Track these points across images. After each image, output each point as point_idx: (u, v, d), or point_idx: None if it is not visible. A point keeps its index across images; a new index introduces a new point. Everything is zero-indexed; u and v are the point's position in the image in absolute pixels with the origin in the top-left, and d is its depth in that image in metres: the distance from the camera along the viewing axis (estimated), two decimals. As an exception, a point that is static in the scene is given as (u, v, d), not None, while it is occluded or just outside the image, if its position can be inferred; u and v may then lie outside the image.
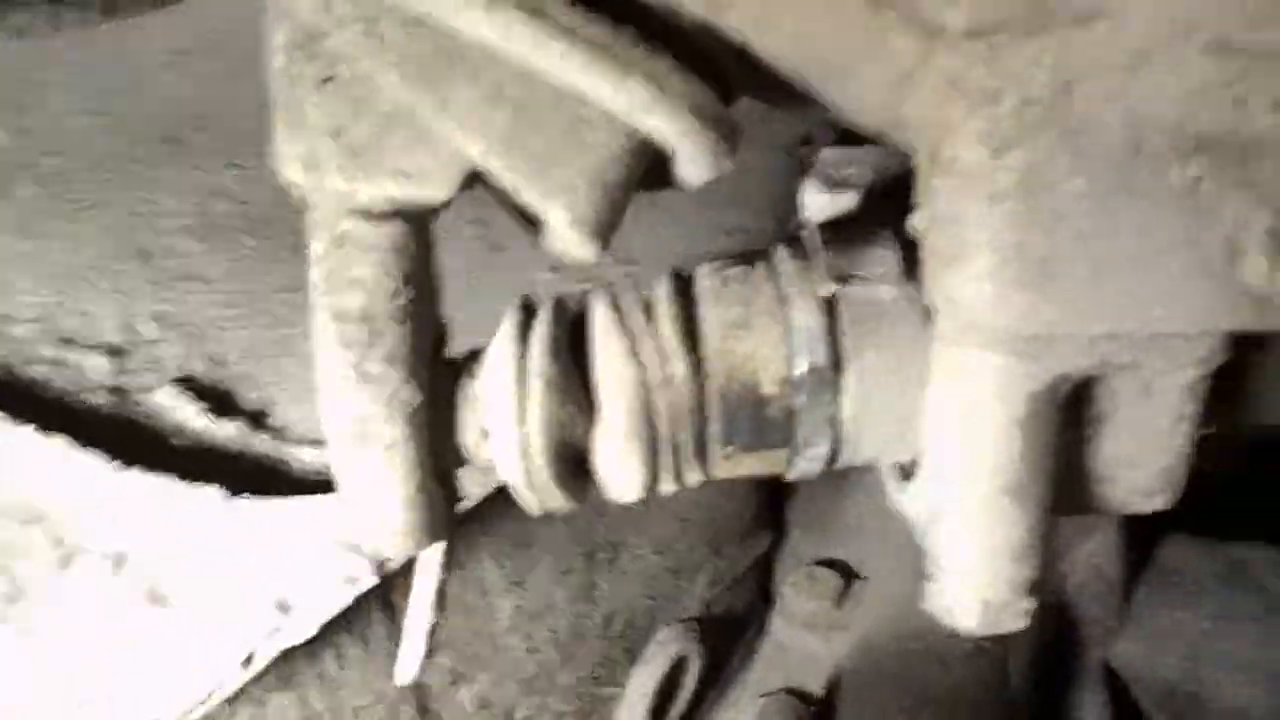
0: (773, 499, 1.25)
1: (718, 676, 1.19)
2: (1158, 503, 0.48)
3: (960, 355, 0.42)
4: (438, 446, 0.47)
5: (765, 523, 1.27)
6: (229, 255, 0.85)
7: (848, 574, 1.20)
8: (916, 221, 0.42)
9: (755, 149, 1.09)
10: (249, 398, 0.76)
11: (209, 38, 0.99)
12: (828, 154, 0.54)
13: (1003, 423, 0.41)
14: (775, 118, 1.15)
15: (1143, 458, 0.46)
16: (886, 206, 0.57)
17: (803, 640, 1.21)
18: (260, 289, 0.84)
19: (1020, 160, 0.37)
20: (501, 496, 0.82)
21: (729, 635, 1.27)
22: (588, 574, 0.97)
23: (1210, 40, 0.29)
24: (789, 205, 1.03)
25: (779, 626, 1.26)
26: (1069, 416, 0.44)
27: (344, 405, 0.44)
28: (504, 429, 0.46)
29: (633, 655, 1.09)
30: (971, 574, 0.46)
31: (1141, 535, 1.24)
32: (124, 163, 0.89)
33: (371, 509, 0.45)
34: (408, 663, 0.49)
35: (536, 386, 0.46)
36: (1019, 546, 0.45)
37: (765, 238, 1.00)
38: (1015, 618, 0.47)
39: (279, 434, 0.74)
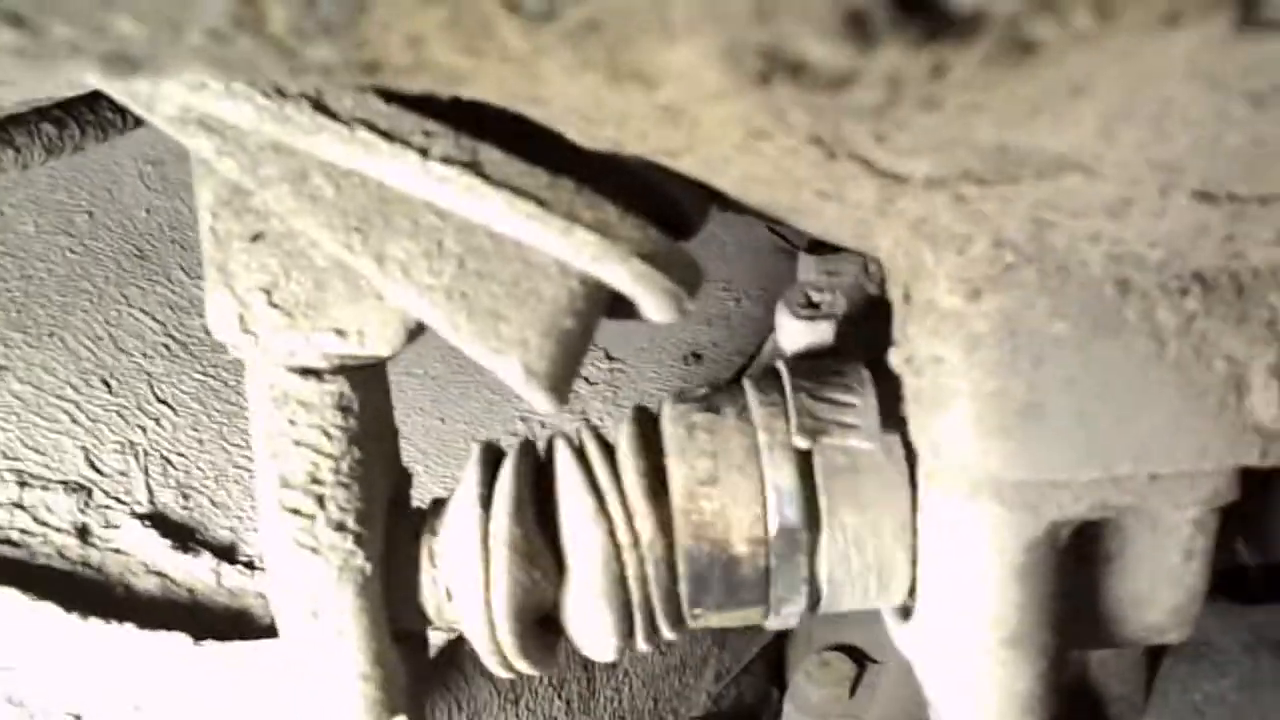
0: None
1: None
2: (1172, 637, 0.45)
3: (950, 503, 0.39)
4: (397, 608, 0.44)
5: (771, 608, 1.23)
6: (199, 374, 0.83)
7: (861, 659, 1.16)
8: (894, 361, 0.40)
9: (738, 228, 1.07)
10: (220, 526, 0.73)
11: (180, 146, 0.98)
12: (798, 286, 0.51)
13: (1000, 573, 0.38)
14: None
15: (1154, 595, 0.42)
16: (862, 336, 0.54)
17: (818, 730, 1.17)
18: (232, 408, 0.81)
19: (996, 305, 0.34)
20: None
21: (739, 729, 1.22)
22: (587, 683, 0.93)
23: (1197, 190, 0.26)
24: (775, 287, 1.01)
25: (792, 715, 1.22)
26: (1078, 554, 0.41)
27: (292, 578, 0.42)
28: (468, 595, 0.44)
29: (639, 760, 1.05)
30: (976, 724, 0.42)
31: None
32: (90, 284, 0.87)
33: (325, 686, 0.42)
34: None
35: (500, 552, 0.43)
36: (1024, 697, 0.42)
37: (754, 325, 0.97)
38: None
39: (251, 565, 0.71)
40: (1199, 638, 1.22)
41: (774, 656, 1.32)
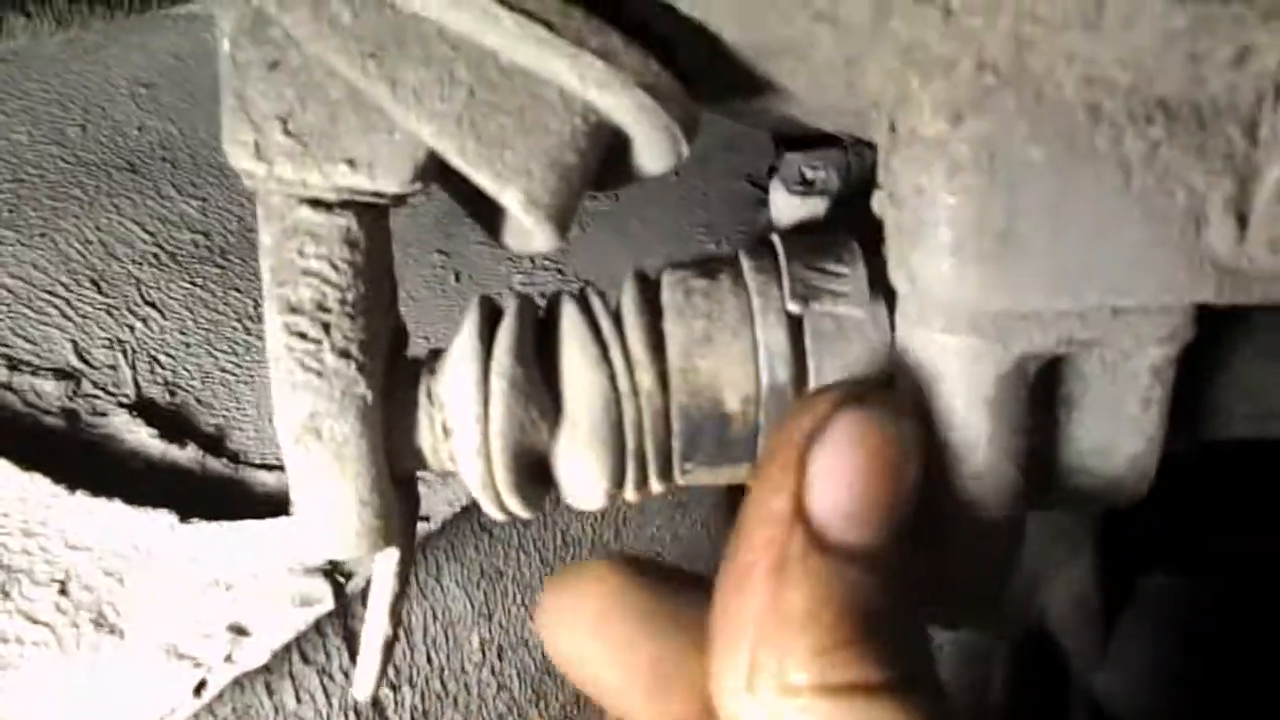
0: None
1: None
2: (1128, 496, 0.47)
3: (924, 339, 0.41)
4: (395, 448, 0.46)
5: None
6: (187, 283, 0.84)
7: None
8: (876, 204, 0.42)
9: (718, 178, 1.09)
10: (206, 422, 0.74)
11: (172, 69, 0.99)
12: (793, 156, 0.53)
13: (970, 403, 0.40)
14: (740, 147, 1.16)
15: (1113, 445, 0.44)
16: (854, 213, 0.56)
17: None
18: (219, 317, 0.83)
19: (977, 129, 0.36)
20: (469, 523, 0.81)
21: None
22: (558, 608, 0.94)
23: (1166, -12, 0.29)
24: (752, 234, 1.03)
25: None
26: (1040, 401, 0.43)
27: (295, 401, 0.43)
28: (464, 428, 0.45)
29: (605, 694, 1.06)
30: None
31: (1121, 567, 1.24)
32: (81, 191, 0.87)
33: (322, 509, 0.44)
34: (365, 677, 0.47)
35: (499, 387, 0.45)
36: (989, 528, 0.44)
37: (734, 245, 0.99)
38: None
39: (236, 458, 0.72)
40: (1153, 598, 1.26)
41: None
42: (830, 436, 0.34)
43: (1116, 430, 0.44)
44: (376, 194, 0.43)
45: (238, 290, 0.85)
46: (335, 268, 0.43)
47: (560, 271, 0.97)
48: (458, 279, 0.94)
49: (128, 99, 0.96)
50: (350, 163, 0.42)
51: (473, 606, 0.83)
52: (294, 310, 0.43)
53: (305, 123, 0.41)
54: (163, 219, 0.88)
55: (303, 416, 0.43)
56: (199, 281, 0.84)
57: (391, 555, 0.47)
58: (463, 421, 0.45)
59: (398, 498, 0.46)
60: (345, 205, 0.43)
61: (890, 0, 0.33)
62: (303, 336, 0.43)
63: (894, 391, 0.41)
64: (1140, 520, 1.15)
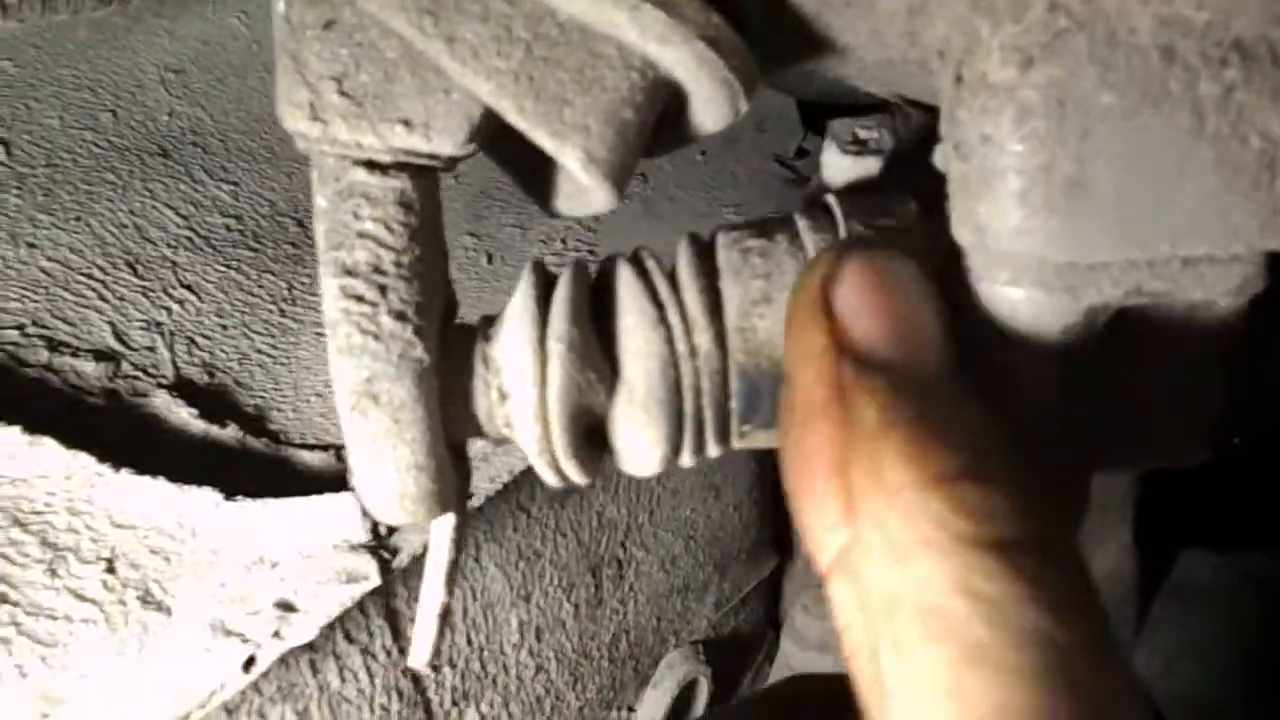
0: (778, 518, 1.23)
1: (728, 700, 1.16)
2: (1195, 453, 0.46)
3: (990, 292, 0.41)
4: (450, 414, 0.45)
5: (770, 543, 1.24)
6: (222, 267, 0.84)
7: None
8: (938, 158, 0.41)
9: (747, 158, 1.09)
10: (245, 403, 0.74)
11: (203, 54, 0.99)
12: (844, 121, 0.53)
13: (1039, 355, 0.40)
14: (769, 128, 1.16)
15: (1181, 399, 0.44)
16: (909, 173, 0.55)
17: (817, 663, 1.19)
18: (254, 300, 0.83)
19: (1047, 74, 0.36)
20: (508, 505, 0.80)
21: (738, 658, 1.24)
22: (595, 590, 0.94)
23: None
24: (784, 199, 1.03)
25: (790, 650, 1.24)
26: (1106, 356, 0.43)
27: (351, 365, 0.43)
28: (521, 391, 0.44)
29: (640, 677, 1.06)
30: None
31: (1156, 547, 1.23)
32: (115, 175, 0.87)
33: (380, 473, 0.43)
34: (422, 645, 0.47)
35: (557, 349, 0.44)
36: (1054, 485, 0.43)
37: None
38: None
39: (276, 438, 0.72)
40: (1187, 578, 1.25)
41: (770, 597, 1.34)
42: (847, 277, 0.34)
43: (1185, 384, 0.44)
44: (432, 155, 0.43)
45: (271, 274, 0.85)
46: (390, 230, 0.43)
47: (592, 252, 0.97)
48: (490, 260, 0.93)
49: (157, 84, 0.96)
50: (406, 123, 0.41)
51: (511, 588, 0.83)
52: (350, 273, 0.42)
53: (360, 83, 0.41)
54: (195, 203, 0.88)
55: (360, 381, 0.42)
56: (233, 265, 0.84)
57: (448, 521, 0.47)
58: (519, 385, 0.44)
59: (453, 464, 0.46)
60: (400, 167, 0.43)
61: (962, -58, 0.32)
62: (359, 299, 0.42)
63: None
64: (1177, 497, 1.14)
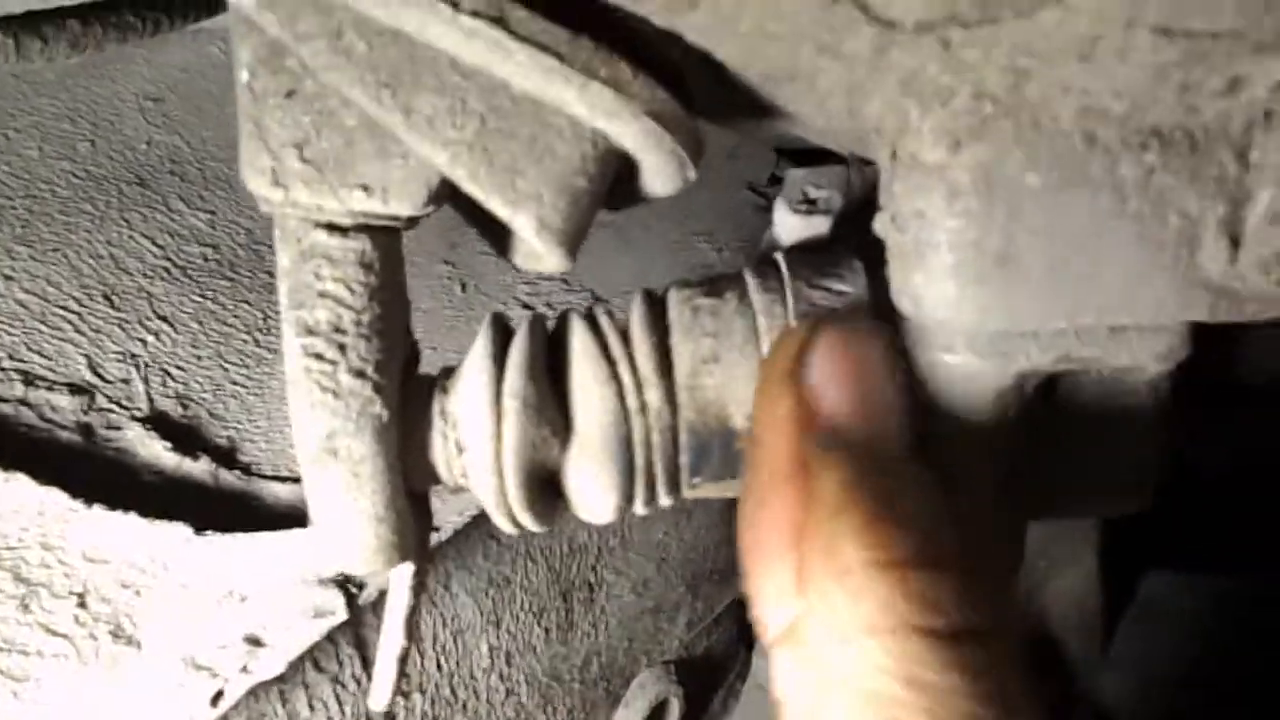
0: (750, 538, 1.24)
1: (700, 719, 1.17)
2: (1130, 506, 0.48)
3: (927, 359, 0.42)
4: (409, 465, 0.47)
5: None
6: (198, 297, 0.85)
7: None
8: (878, 226, 0.43)
9: (720, 186, 1.10)
10: (218, 435, 0.75)
11: (179, 82, 1.00)
12: (795, 174, 0.54)
13: (971, 421, 0.42)
14: (742, 155, 1.17)
15: (1113, 459, 0.46)
16: (856, 231, 0.57)
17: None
18: (228, 329, 0.84)
19: (976, 156, 0.37)
20: (478, 532, 0.82)
21: (709, 678, 1.26)
22: (566, 614, 0.96)
23: (1156, 25, 0.30)
24: (756, 242, 1.04)
25: (762, 669, 1.25)
26: (1038, 420, 0.44)
27: (312, 420, 0.44)
28: (478, 446, 0.46)
29: (612, 698, 1.08)
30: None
31: (1122, 569, 1.24)
32: (92, 206, 0.88)
33: (340, 526, 0.45)
34: (381, 688, 0.48)
35: (512, 406, 0.46)
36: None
37: (735, 252, 1.01)
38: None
39: (248, 470, 0.73)
40: (1154, 599, 1.26)
41: (742, 616, 1.35)
42: (819, 350, 0.34)
43: (1116, 445, 0.45)
44: (391, 217, 0.44)
45: (247, 303, 0.86)
46: (351, 290, 0.44)
47: (565, 281, 0.98)
48: (464, 289, 0.95)
49: (136, 113, 0.97)
50: (365, 188, 0.43)
51: (481, 614, 0.84)
52: (311, 332, 0.44)
53: (321, 149, 0.42)
54: (172, 233, 0.89)
55: (320, 436, 0.44)
56: (209, 295, 0.85)
57: (407, 570, 0.49)
58: (476, 439, 0.46)
59: (412, 513, 0.47)
60: (360, 229, 0.44)
61: (890, 33, 0.34)
62: (319, 358, 0.44)
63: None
64: (1141, 521, 1.16)
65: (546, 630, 0.94)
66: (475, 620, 0.84)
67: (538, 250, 0.43)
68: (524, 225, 0.42)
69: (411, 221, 0.45)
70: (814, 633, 0.29)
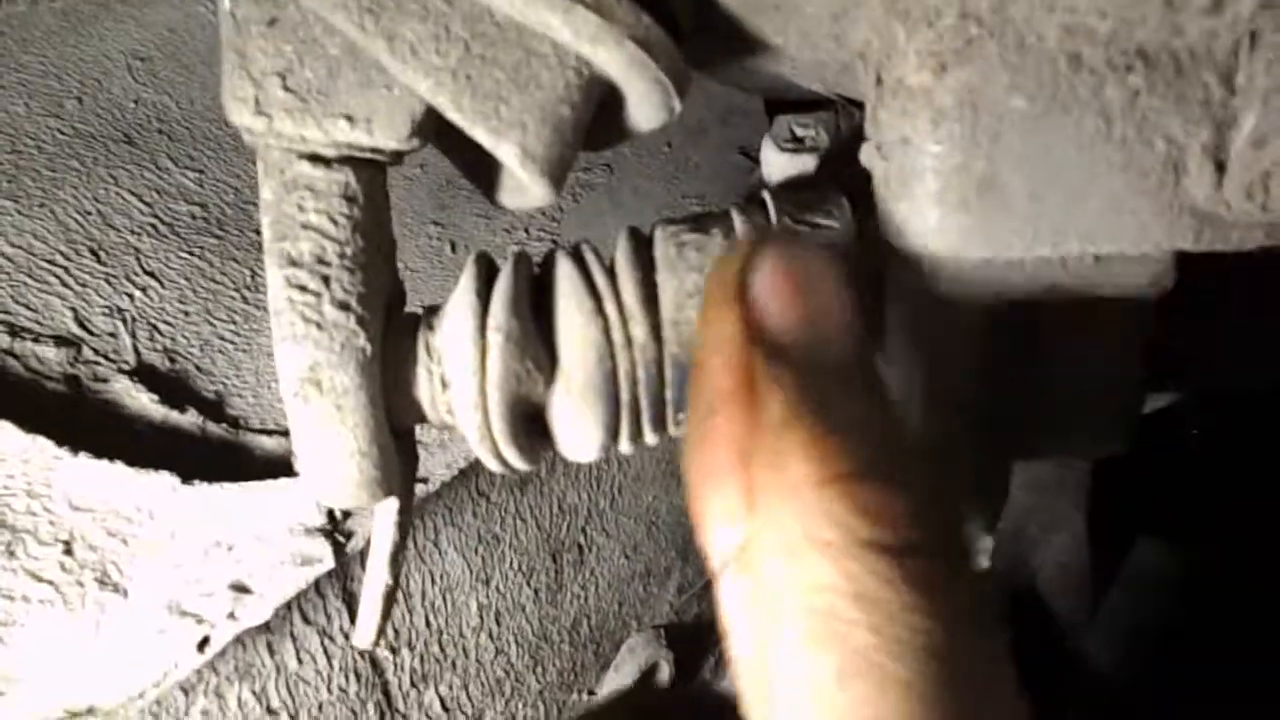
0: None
1: (689, 684, 1.18)
2: (1109, 448, 0.48)
3: (914, 286, 0.42)
4: (394, 401, 0.47)
5: (734, 530, 1.26)
6: (185, 254, 0.85)
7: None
8: (864, 156, 0.43)
9: (712, 150, 1.10)
10: (205, 389, 0.75)
11: (168, 42, 0.99)
12: (783, 117, 0.54)
13: (955, 347, 0.42)
14: (732, 120, 1.17)
15: (1094, 393, 0.46)
16: (842, 169, 0.57)
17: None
18: (217, 287, 0.83)
19: (960, 79, 0.37)
20: (466, 489, 0.82)
21: (700, 643, 1.26)
22: (555, 574, 0.96)
23: (1142, -67, 0.30)
24: (747, 189, 1.04)
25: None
26: (1021, 352, 0.44)
27: (295, 353, 0.44)
28: (462, 380, 0.46)
29: (601, 661, 1.08)
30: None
31: (1109, 535, 1.25)
32: (79, 162, 0.88)
33: (324, 459, 0.45)
34: (366, 626, 0.48)
35: (495, 339, 0.46)
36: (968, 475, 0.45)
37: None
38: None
39: (235, 423, 0.73)
40: (1140, 565, 1.27)
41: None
42: (763, 264, 0.33)
43: (1095, 381, 0.45)
44: (375, 149, 0.44)
45: (235, 260, 0.86)
46: (334, 222, 0.44)
47: (554, 242, 0.98)
48: (453, 249, 0.95)
49: (124, 71, 0.96)
50: (349, 118, 0.43)
51: (470, 571, 0.84)
52: (294, 264, 0.44)
53: (304, 79, 0.42)
54: (160, 190, 0.89)
55: (303, 368, 0.44)
56: (196, 252, 0.85)
57: (391, 505, 0.48)
58: (460, 374, 0.46)
59: (397, 450, 0.47)
60: (344, 160, 0.44)
61: (876, -48, 0.34)
62: (303, 289, 0.44)
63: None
64: (1129, 485, 1.16)
65: (536, 590, 0.94)
66: (464, 578, 0.84)
67: (523, 182, 0.43)
68: (508, 154, 0.42)
69: (397, 157, 0.45)
70: (762, 552, 0.28)
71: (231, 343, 0.79)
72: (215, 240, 0.87)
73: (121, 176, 0.88)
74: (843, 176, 0.49)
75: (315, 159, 0.44)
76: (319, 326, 0.44)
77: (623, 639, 1.10)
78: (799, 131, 0.53)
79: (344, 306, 0.44)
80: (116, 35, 0.97)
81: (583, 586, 1.01)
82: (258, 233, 0.92)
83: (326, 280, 0.44)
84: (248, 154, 0.96)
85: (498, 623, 0.89)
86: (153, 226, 0.85)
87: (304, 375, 0.44)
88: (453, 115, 0.41)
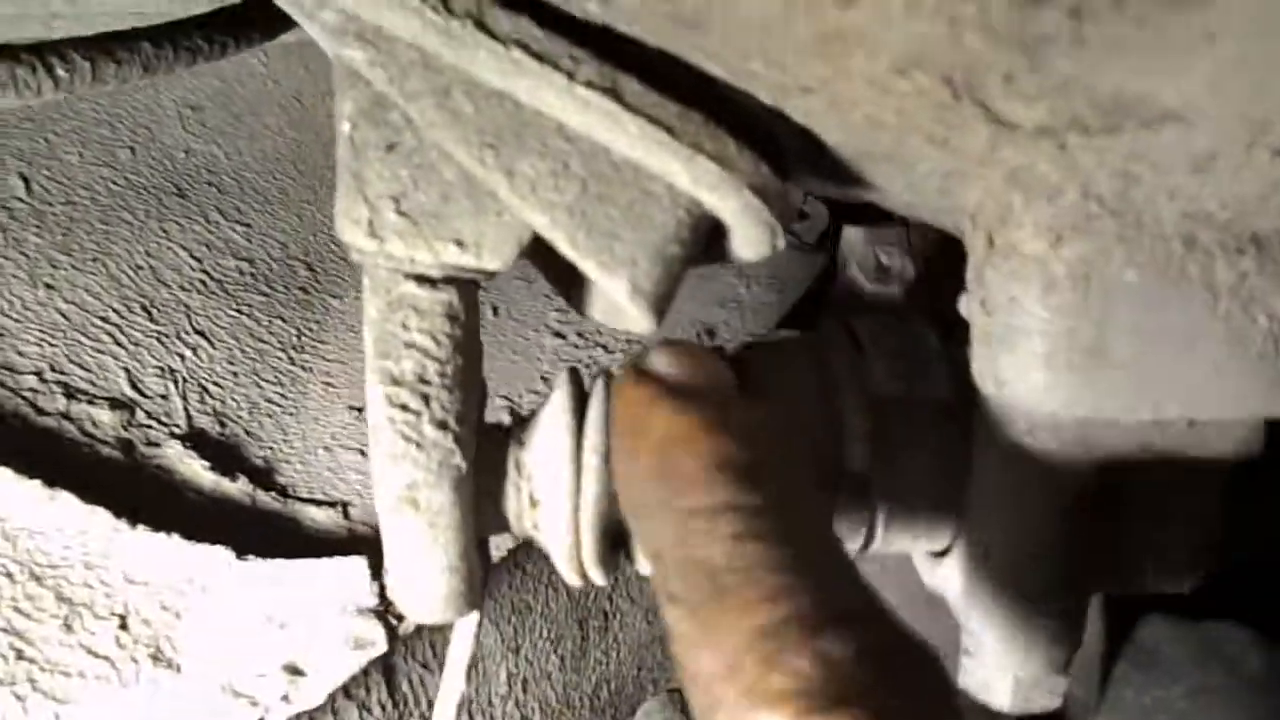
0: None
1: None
2: (1185, 584, 0.49)
3: (1007, 440, 0.43)
4: (480, 513, 0.47)
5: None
6: (234, 311, 0.85)
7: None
8: (963, 307, 0.43)
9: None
10: (255, 454, 0.75)
11: (219, 92, 1.00)
12: (855, 235, 0.55)
13: (1048, 506, 0.42)
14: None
15: (1174, 543, 0.47)
16: (928, 295, 0.58)
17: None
18: (264, 346, 0.84)
19: (1076, 252, 0.38)
20: (504, 562, 0.82)
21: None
22: (581, 641, 0.96)
23: (1277, 147, 0.31)
24: (783, 277, 1.05)
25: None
26: (1110, 503, 0.45)
27: (393, 470, 0.44)
28: (555, 500, 0.46)
29: (619, 725, 1.08)
30: (1006, 653, 0.47)
31: (1119, 613, 1.25)
32: (131, 215, 0.88)
33: (414, 575, 0.45)
34: (439, 734, 0.48)
35: (592, 463, 0.46)
36: (1054, 630, 0.46)
37: (765, 310, 1.02)
38: (1046, 696, 0.48)
39: (285, 492, 0.73)
40: (1150, 644, 1.28)
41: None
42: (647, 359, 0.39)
43: (1178, 530, 0.46)
44: (481, 271, 0.44)
45: (281, 319, 0.86)
46: (437, 341, 0.45)
47: (595, 309, 0.98)
48: (495, 313, 0.95)
49: (175, 121, 0.97)
50: (459, 242, 0.43)
51: (502, 641, 0.84)
52: (396, 382, 0.44)
53: (417, 203, 0.43)
54: (209, 245, 0.89)
55: (401, 486, 0.44)
56: (244, 310, 0.85)
57: (472, 618, 0.49)
58: (553, 494, 0.46)
59: (479, 562, 0.48)
60: (448, 281, 0.45)
61: (1007, 132, 0.35)
62: (404, 408, 0.44)
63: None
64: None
65: (562, 658, 0.94)
66: (496, 648, 0.84)
67: (626, 310, 0.44)
68: (618, 289, 0.42)
69: (493, 275, 0.46)
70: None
71: (279, 405, 0.79)
72: (262, 298, 0.87)
73: (173, 230, 0.88)
74: (924, 302, 0.49)
75: (421, 279, 0.44)
76: (418, 446, 0.44)
77: (639, 702, 1.10)
78: (884, 260, 0.54)
79: (442, 425, 0.44)
80: (169, 83, 0.98)
81: (605, 652, 1.01)
82: (303, 290, 0.93)
83: (426, 399, 0.44)
84: (293, 208, 0.97)
85: (524, 690, 0.89)
86: (202, 282, 0.85)
87: (401, 494, 0.44)
88: (566, 250, 0.42)
